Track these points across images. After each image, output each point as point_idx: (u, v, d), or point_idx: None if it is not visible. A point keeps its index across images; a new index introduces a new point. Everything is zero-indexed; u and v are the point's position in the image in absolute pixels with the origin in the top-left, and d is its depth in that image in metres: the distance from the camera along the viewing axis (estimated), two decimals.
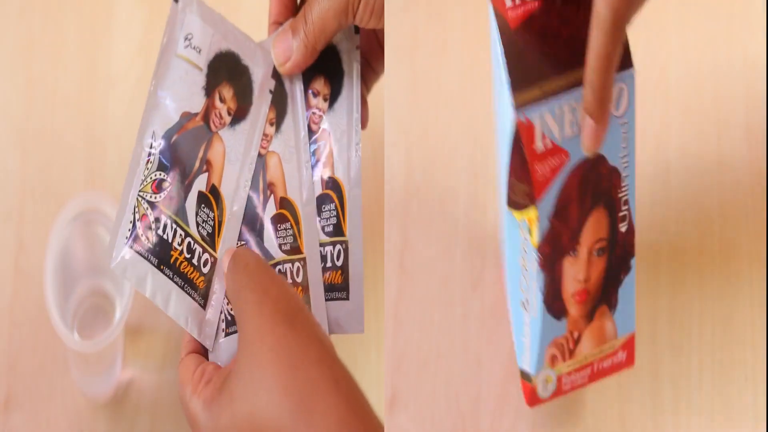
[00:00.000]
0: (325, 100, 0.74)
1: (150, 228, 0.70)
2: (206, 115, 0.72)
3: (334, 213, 0.74)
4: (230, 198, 0.72)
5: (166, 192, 0.71)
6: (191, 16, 0.72)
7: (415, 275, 0.84)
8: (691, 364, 0.82)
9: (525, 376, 0.76)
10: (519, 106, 0.64)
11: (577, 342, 0.73)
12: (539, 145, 0.65)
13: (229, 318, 0.71)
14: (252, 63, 0.73)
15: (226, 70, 0.73)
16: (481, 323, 0.83)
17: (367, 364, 0.87)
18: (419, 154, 0.87)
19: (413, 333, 0.83)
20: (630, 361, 0.76)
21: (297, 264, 0.73)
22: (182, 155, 0.71)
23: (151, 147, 0.71)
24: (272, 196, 0.73)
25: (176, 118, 0.71)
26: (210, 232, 0.72)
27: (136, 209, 0.70)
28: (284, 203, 0.73)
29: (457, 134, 0.87)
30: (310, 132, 0.74)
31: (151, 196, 0.70)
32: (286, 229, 0.73)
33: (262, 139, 0.73)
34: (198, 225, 0.71)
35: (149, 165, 0.71)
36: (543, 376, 0.75)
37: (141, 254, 0.69)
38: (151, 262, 0.69)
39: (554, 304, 0.71)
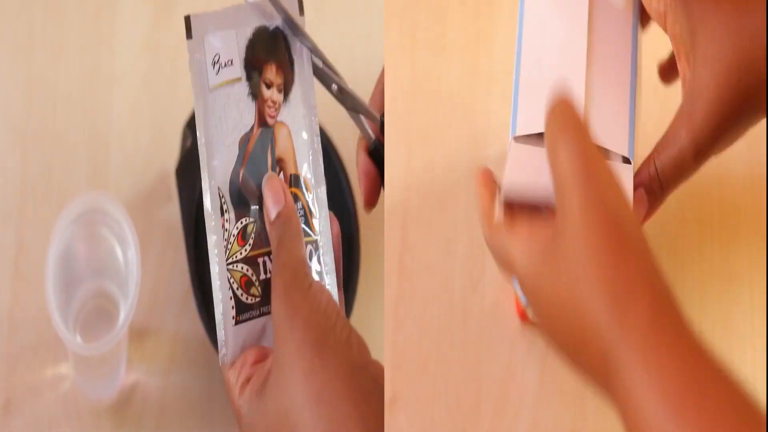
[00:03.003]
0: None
1: (252, 284, 0.69)
2: (261, 117, 0.70)
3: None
4: (309, 172, 0.70)
5: (252, 236, 0.69)
6: (209, 38, 0.69)
7: (415, 275, 0.84)
8: None
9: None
10: None
11: None
12: None
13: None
14: (272, 21, 0.70)
15: (262, 52, 0.70)
16: (481, 323, 0.83)
17: None
18: (419, 154, 0.87)
19: (413, 333, 0.83)
20: None
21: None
22: (255, 180, 0.69)
23: (222, 207, 0.68)
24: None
25: (236, 152, 0.69)
26: (305, 221, 0.70)
27: (231, 281, 0.68)
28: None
29: (457, 134, 0.87)
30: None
31: (240, 254, 0.69)
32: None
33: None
34: None
35: (227, 225, 0.68)
36: None
37: (250, 318, 0.69)
38: (262, 314, 0.69)
39: None
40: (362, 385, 0.64)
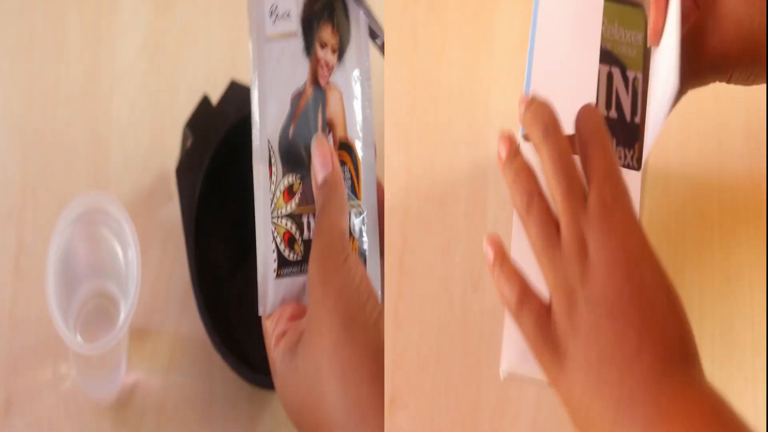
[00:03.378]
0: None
1: (295, 240, 0.69)
2: (314, 77, 0.69)
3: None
4: (358, 137, 0.69)
5: (299, 194, 0.69)
6: None
7: (415, 275, 0.84)
8: None
9: None
10: None
11: None
12: None
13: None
14: None
15: (319, 9, 0.69)
16: (481, 323, 0.83)
17: None
18: (419, 154, 0.87)
19: (413, 333, 0.83)
20: None
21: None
22: (304, 140, 0.68)
23: (270, 159, 0.68)
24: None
25: (288, 108, 0.68)
26: (351, 185, 0.70)
27: (275, 234, 0.68)
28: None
29: (457, 134, 0.87)
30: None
31: (285, 209, 0.68)
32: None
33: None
34: None
35: (273, 178, 0.68)
36: None
37: (291, 274, 0.69)
38: (303, 272, 0.69)
39: None
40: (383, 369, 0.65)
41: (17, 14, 0.97)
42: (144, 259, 0.80)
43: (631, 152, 0.73)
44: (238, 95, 0.89)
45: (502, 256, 0.64)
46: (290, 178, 0.68)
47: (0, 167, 0.93)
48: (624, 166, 0.72)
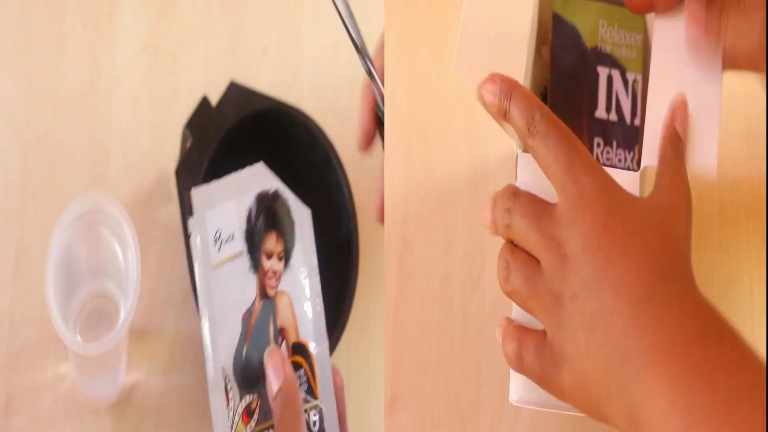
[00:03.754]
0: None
1: None
2: (263, 290, 0.69)
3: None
4: (310, 336, 0.70)
5: (257, 412, 0.69)
6: (210, 214, 0.68)
7: (415, 275, 0.84)
8: None
9: None
10: None
11: None
12: None
13: None
14: (271, 184, 0.70)
15: (262, 221, 0.70)
16: (481, 323, 0.83)
17: (367, 364, 0.87)
18: (419, 154, 0.87)
19: (413, 333, 0.83)
20: None
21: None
22: (259, 355, 0.69)
23: (226, 387, 0.68)
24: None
25: (239, 329, 0.68)
26: (307, 386, 0.70)
27: None
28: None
29: (457, 134, 0.87)
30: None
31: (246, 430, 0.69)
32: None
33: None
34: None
35: (231, 404, 0.68)
36: None
37: None
38: None
39: None
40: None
41: (17, 14, 0.97)
42: (144, 259, 0.80)
43: (631, 154, 0.73)
44: (237, 95, 0.89)
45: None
46: (248, 398, 0.69)
47: (0, 167, 0.92)
48: (624, 169, 0.72)
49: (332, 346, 0.84)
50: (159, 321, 0.90)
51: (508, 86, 0.65)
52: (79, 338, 0.87)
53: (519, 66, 0.68)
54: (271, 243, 0.70)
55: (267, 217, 0.70)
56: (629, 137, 0.73)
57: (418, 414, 0.82)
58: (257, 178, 0.70)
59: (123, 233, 0.80)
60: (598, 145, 0.73)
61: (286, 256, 0.70)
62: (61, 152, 0.93)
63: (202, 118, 0.89)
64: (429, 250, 0.85)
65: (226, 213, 0.68)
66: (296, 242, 0.71)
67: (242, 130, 0.89)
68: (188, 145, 0.90)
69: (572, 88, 0.74)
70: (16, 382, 0.87)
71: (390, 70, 0.88)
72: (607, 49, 0.74)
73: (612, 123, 0.73)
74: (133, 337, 0.89)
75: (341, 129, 0.92)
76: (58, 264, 0.79)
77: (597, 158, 0.72)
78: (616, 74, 0.74)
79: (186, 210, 0.88)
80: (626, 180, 0.67)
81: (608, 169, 0.70)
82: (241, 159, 0.89)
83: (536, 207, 0.65)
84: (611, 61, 0.74)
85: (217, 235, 0.68)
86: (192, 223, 0.68)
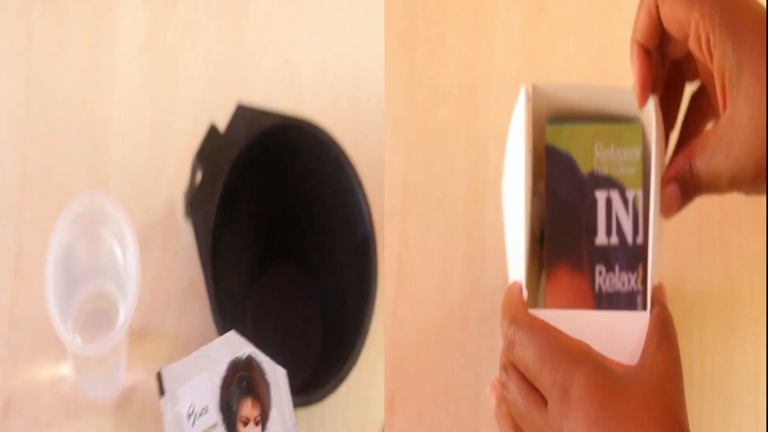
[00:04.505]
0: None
1: None
2: None
3: None
4: None
5: None
6: (182, 390, 0.68)
7: (415, 275, 0.84)
8: (692, 367, 0.82)
9: None
10: None
11: None
12: None
13: None
14: (243, 350, 0.70)
15: (237, 389, 0.69)
16: (481, 323, 0.83)
17: (367, 365, 0.87)
18: (419, 154, 0.87)
19: (413, 333, 0.83)
20: None
21: None
22: None
23: None
24: None
25: None
26: None
27: None
28: None
29: (456, 134, 0.87)
30: None
31: None
32: None
33: None
34: None
35: None
36: None
37: None
38: None
39: None
40: None
41: (17, 14, 0.97)
42: (143, 259, 0.80)
43: (635, 275, 0.72)
44: (245, 118, 0.87)
45: (500, 400, 0.71)
46: None
47: (0, 167, 0.92)
48: (628, 292, 0.72)
49: (360, 348, 0.85)
50: (159, 321, 0.90)
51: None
52: (78, 339, 0.87)
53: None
54: (247, 409, 0.70)
55: (241, 384, 0.70)
56: (632, 258, 0.73)
57: (418, 414, 0.82)
58: (229, 346, 0.70)
59: (122, 233, 0.80)
60: (600, 273, 0.73)
61: (263, 420, 0.70)
62: (61, 152, 0.93)
63: (212, 147, 0.86)
64: (429, 250, 0.85)
65: (198, 386, 0.68)
66: (273, 405, 0.70)
67: (252, 151, 0.87)
68: (200, 176, 0.88)
69: (570, 219, 0.73)
70: (15, 383, 0.87)
71: (390, 70, 0.88)
72: (604, 171, 0.74)
73: (613, 248, 0.73)
74: (133, 337, 0.88)
75: (344, 128, 0.92)
76: (57, 264, 0.79)
77: (599, 287, 0.72)
78: (615, 195, 0.74)
79: (201, 242, 0.86)
80: (632, 323, 0.69)
81: (612, 314, 0.71)
82: (253, 179, 0.88)
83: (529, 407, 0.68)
84: (609, 182, 0.73)
85: (191, 410, 0.68)
86: (164, 402, 0.68)
